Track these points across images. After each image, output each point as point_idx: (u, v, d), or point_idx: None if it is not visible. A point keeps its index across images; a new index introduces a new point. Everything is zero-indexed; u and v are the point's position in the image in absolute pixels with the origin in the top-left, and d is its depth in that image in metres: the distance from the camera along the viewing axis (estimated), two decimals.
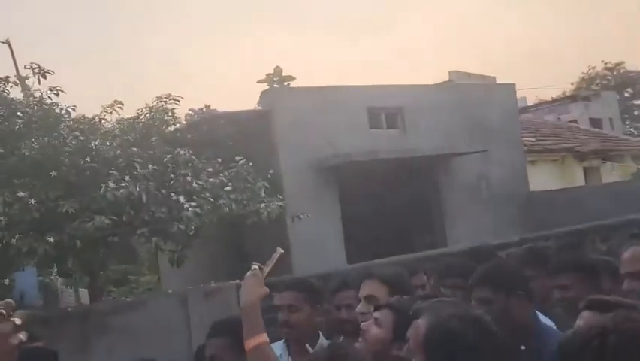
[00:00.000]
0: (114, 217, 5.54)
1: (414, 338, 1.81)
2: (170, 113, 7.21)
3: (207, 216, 6.04)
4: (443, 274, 3.94)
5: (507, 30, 57.35)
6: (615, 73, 36.53)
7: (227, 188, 6.23)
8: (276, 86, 15.48)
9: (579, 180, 15.55)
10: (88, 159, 6.00)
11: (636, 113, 36.61)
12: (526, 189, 11.31)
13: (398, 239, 9.56)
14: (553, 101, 26.44)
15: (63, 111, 6.53)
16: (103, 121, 7.14)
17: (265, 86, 16.43)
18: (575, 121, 22.05)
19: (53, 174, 5.81)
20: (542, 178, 13.21)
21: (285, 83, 16.10)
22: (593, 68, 36.85)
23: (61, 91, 6.57)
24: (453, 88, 11.29)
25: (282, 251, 2.77)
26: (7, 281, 7.62)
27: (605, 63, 36.46)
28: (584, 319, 1.81)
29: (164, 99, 7.18)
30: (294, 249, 8.51)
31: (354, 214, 8.97)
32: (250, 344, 2.44)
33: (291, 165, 8.46)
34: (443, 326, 1.74)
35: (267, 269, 2.68)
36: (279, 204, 6.52)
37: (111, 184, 5.67)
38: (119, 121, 7.30)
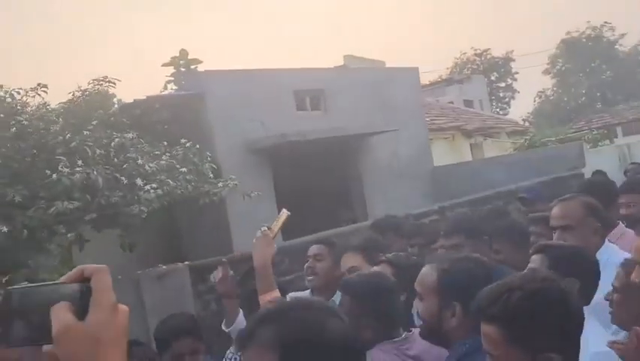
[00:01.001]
0: (76, 202, 5.42)
1: (425, 283, 1.95)
2: (107, 97, 7.04)
3: (165, 198, 6.09)
4: (409, 235, 4.62)
5: (389, 18, 60.11)
6: (483, 58, 40.02)
7: (183, 170, 6.31)
8: (182, 69, 15.22)
9: (467, 155, 17.22)
10: (31, 144, 5.75)
11: (501, 94, 40.47)
12: (431, 164, 12.41)
13: (325, 215, 10.12)
14: (431, 84, 28.43)
15: None
16: (25, 105, 6.79)
17: (171, 69, 16.07)
18: (452, 102, 24.06)
19: None
20: (437, 154, 14.50)
21: (192, 67, 15.86)
22: (464, 53, 40.12)
23: None
24: (366, 71, 12.00)
25: (289, 213, 3.12)
26: None
27: (475, 49, 39.82)
28: (533, 261, 2.15)
29: (100, 82, 6.99)
30: (232, 228, 8.72)
31: (287, 193, 9.35)
32: (265, 298, 2.80)
33: (226, 146, 8.62)
34: (456, 267, 1.92)
35: (275, 230, 3.02)
36: (235, 183, 6.73)
37: (65, 169, 5.52)
38: (43, 105, 6.97)
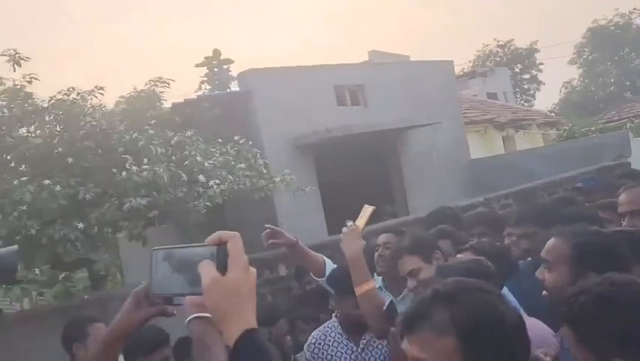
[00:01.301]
0: (146, 198, 5.64)
1: (557, 253, 1.95)
2: (160, 97, 7.27)
3: (225, 194, 6.28)
4: (470, 225, 4.67)
5: (410, 13, 59.82)
6: (506, 50, 39.57)
7: (241, 165, 6.50)
8: (215, 69, 15.48)
9: (499, 148, 17.16)
10: (97, 144, 5.99)
11: (525, 86, 40.00)
12: (468, 157, 12.45)
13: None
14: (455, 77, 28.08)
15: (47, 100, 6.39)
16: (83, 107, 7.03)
17: (204, 70, 16.34)
18: (475, 95, 23.91)
19: (70, 160, 5.76)
20: (471, 147, 14.52)
21: (225, 67, 16.10)
22: (487, 45, 39.73)
23: (36, 79, 6.43)
24: (402, 65, 12.08)
25: (374, 207, 3.24)
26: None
27: (497, 41, 39.42)
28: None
29: (156, 82, 7.21)
30: (280, 223, 8.90)
31: (330, 188, 9.50)
32: (361, 289, 2.92)
33: (272, 143, 8.80)
34: (590, 239, 1.94)
35: (361, 225, 3.15)
36: (292, 177, 6.90)
37: (133, 167, 5.74)
38: (99, 106, 7.20)
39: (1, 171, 5.57)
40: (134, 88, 7.22)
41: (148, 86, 7.13)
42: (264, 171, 7.11)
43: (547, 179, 9.66)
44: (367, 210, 3.08)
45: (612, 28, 35.18)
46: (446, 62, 12.60)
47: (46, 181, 5.36)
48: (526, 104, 35.94)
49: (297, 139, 9.05)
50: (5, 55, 6.36)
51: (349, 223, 3.12)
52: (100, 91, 6.96)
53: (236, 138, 7.22)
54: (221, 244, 1.04)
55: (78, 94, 6.18)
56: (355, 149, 9.62)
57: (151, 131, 6.13)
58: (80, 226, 5.44)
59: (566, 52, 43.12)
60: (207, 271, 1.04)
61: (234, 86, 12.18)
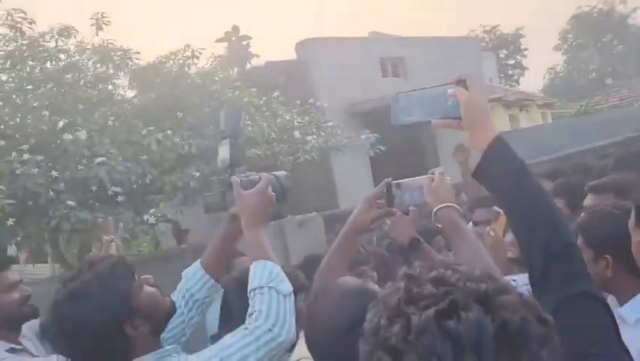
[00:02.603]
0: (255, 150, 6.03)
1: None
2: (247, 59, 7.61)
3: (317, 149, 6.72)
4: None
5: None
6: (492, 35, 40.34)
7: (329, 123, 6.92)
8: (243, 43, 15.74)
9: (506, 126, 17.89)
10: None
11: (509, 72, 40.92)
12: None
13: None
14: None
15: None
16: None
17: (224, 44, 16.57)
18: None
19: (180, 114, 6.10)
20: None
21: (244, 43, 16.37)
22: (473, 31, 40.49)
23: (112, 44, 6.67)
24: (436, 41, 12.57)
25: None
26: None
27: (484, 26, 40.18)
28: None
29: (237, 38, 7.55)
30: (337, 186, 9.37)
31: (378, 156, 9.97)
32: None
33: (329, 109, 9.21)
34: None
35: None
36: (364, 136, 7.36)
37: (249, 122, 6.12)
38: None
39: (122, 123, 5.85)
40: (212, 53, 7.50)
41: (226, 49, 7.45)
42: (338, 132, 7.53)
43: (576, 149, 10.30)
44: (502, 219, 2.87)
45: (596, 15, 36.37)
46: (474, 38, 13.16)
47: (169, 131, 5.69)
48: (512, 90, 36.82)
49: (350, 106, 9.49)
50: (93, 19, 6.62)
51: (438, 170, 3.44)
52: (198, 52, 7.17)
53: (310, 100, 7.61)
54: (460, 81, 1.30)
55: (179, 58, 6.46)
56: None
57: (252, 90, 6.49)
58: (196, 175, 5.79)
59: (551, 38, 44.20)
60: (460, 92, 1.24)
61: (254, 62, 12.45)
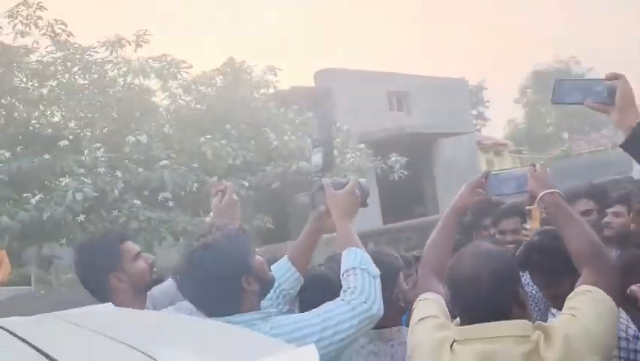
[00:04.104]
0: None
1: None
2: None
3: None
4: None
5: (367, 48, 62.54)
6: None
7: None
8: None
9: (484, 168, 18.78)
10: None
11: (473, 122, 42.56)
12: (480, 170, 13.74)
13: (400, 209, 11.20)
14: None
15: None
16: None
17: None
18: None
19: (228, 127, 6.32)
20: None
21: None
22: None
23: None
24: (435, 80, 13.29)
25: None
26: None
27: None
28: None
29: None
30: None
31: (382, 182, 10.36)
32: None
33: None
34: None
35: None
36: (398, 158, 7.77)
37: (284, 137, 6.41)
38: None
39: (175, 132, 6.02)
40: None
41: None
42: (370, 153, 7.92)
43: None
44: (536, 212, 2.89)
45: (552, 72, 38.78)
46: (462, 80, 13.96)
47: (223, 141, 5.89)
48: None
49: (363, 135, 9.91)
50: (135, 35, 6.85)
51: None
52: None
53: (337, 124, 7.97)
54: (616, 77, 1.59)
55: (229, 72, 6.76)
56: (398, 149, 10.62)
57: (281, 110, 6.88)
58: (245, 184, 5.98)
59: (511, 92, 46.59)
60: (621, 83, 1.54)
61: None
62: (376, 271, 1.68)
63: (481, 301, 1.35)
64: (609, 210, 2.73)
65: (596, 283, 1.43)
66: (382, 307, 1.59)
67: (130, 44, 6.48)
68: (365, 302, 1.56)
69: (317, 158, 2.12)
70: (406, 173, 8.07)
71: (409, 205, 11.58)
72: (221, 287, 1.50)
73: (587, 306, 1.39)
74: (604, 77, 1.64)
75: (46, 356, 0.95)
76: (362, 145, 7.49)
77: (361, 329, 1.55)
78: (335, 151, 5.75)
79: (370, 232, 7.26)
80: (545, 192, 1.63)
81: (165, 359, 0.89)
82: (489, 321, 1.33)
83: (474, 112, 41.92)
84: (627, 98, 1.55)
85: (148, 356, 0.90)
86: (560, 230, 1.61)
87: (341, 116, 9.74)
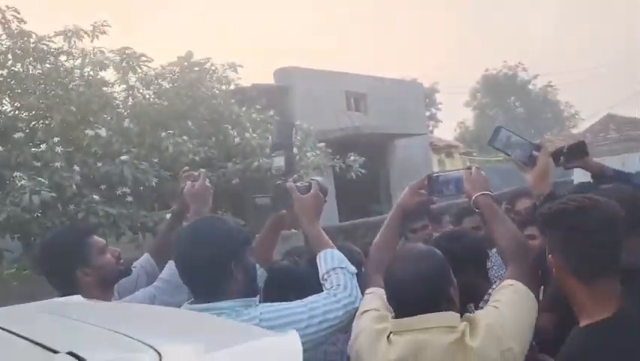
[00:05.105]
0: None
1: None
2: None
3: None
4: None
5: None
6: None
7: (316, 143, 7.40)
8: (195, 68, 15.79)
9: (435, 168, 19.26)
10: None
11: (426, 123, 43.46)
12: (432, 169, 14.11)
13: (357, 208, 11.40)
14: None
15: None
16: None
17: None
18: None
19: (190, 123, 6.25)
20: None
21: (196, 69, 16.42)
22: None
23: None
24: (393, 81, 13.53)
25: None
26: None
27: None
28: None
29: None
30: None
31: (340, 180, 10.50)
32: None
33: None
34: None
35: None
36: (357, 158, 7.90)
37: (246, 135, 6.41)
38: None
39: (135, 125, 5.92)
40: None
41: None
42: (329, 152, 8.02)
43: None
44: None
45: (501, 77, 40.10)
46: (418, 83, 14.27)
47: (184, 137, 5.83)
48: None
49: (323, 133, 10.00)
50: (92, 25, 6.69)
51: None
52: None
53: (297, 122, 8.02)
54: (539, 147, 1.90)
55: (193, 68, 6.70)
56: (355, 148, 10.78)
57: (242, 108, 6.88)
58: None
59: (462, 95, 47.84)
60: (543, 156, 1.87)
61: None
62: (354, 269, 1.83)
63: (413, 300, 1.49)
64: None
65: (518, 277, 1.58)
66: (360, 301, 1.72)
67: (88, 35, 6.32)
68: (349, 296, 1.70)
69: (279, 161, 2.20)
70: (363, 172, 8.20)
71: (365, 203, 11.78)
72: (212, 272, 1.57)
73: (508, 298, 1.54)
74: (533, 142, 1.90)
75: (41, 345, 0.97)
76: (322, 144, 7.57)
77: (344, 321, 1.68)
78: (295, 149, 5.86)
79: (327, 228, 7.35)
80: (478, 193, 1.76)
81: (160, 346, 0.91)
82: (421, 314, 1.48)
83: (427, 113, 43.11)
84: (545, 168, 1.80)
85: (140, 341, 0.94)
86: (491, 229, 1.75)
87: (300, 114, 9.81)
